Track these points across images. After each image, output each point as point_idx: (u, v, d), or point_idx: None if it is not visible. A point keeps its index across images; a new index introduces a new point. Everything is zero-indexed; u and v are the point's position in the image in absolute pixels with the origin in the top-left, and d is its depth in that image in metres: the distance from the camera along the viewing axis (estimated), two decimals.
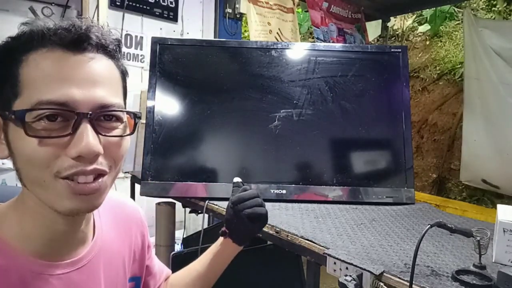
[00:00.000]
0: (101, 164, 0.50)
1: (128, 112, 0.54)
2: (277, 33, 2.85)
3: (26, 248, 0.52)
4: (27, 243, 0.52)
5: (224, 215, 0.81)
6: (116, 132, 0.52)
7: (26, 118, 0.46)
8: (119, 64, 0.55)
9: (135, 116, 0.56)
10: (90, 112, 0.48)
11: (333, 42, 3.07)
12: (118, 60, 0.55)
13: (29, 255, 0.52)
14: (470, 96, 3.04)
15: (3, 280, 0.49)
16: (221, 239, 0.81)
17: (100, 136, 0.49)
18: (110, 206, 0.68)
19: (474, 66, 2.94)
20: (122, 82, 0.56)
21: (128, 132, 0.55)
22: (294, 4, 3.06)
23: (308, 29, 5.02)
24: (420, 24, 4.39)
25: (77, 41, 0.49)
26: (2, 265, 0.50)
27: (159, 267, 0.82)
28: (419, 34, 4.50)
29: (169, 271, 0.85)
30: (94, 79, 0.49)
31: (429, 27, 4.06)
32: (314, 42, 5.10)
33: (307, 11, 4.00)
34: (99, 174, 0.50)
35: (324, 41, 2.99)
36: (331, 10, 3.12)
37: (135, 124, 0.56)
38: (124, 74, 0.57)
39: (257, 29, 2.70)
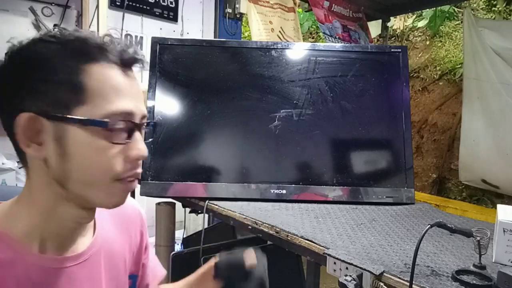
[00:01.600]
0: (141, 168, 0.57)
1: (149, 122, 0.61)
2: (280, 31, 2.84)
3: (32, 242, 0.54)
4: (33, 238, 0.54)
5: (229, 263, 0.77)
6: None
7: (101, 126, 0.51)
8: None
9: (153, 126, 0.66)
10: (140, 123, 0.56)
11: (339, 38, 3.06)
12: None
13: (34, 249, 0.54)
14: (469, 97, 3.03)
15: (10, 272, 0.51)
16: (206, 271, 0.79)
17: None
18: None
19: (473, 66, 2.93)
20: None
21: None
22: (294, 4, 3.06)
23: (308, 28, 5.02)
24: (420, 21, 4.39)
25: (132, 61, 0.56)
26: (9, 259, 0.52)
27: (154, 267, 0.82)
28: (419, 34, 4.50)
29: (164, 272, 0.85)
30: (139, 94, 0.57)
31: (427, 21, 4.06)
32: (315, 41, 5.10)
33: (307, 11, 4.00)
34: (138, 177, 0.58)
35: (331, 36, 2.98)
36: (332, 9, 3.12)
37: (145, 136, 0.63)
38: None
39: (259, 28, 2.69)
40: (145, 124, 0.58)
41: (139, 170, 0.56)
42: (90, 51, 0.52)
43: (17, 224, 0.54)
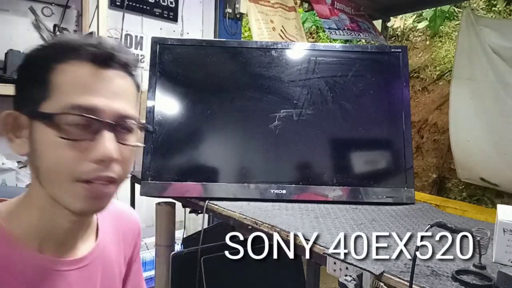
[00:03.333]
0: (114, 172, 0.53)
1: (140, 125, 0.59)
2: (281, 30, 2.82)
3: (31, 242, 0.54)
4: (32, 238, 0.55)
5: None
6: (131, 142, 0.57)
7: (57, 121, 0.50)
8: (136, 80, 0.60)
9: (146, 129, 0.62)
10: (112, 122, 0.53)
11: (348, 29, 3.02)
12: (135, 76, 0.60)
13: (33, 249, 0.54)
14: (459, 97, 3.02)
15: (6, 269, 0.52)
16: None
17: (117, 143, 0.54)
18: (112, 212, 0.69)
19: (467, 67, 2.92)
20: (136, 97, 0.61)
21: (139, 143, 0.59)
22: (295, 3, 3.06)
23: (309, 29, 5.02)
24: (420, 23, 4.39)
25: (106, 59, 0.54)
26: (6, 254, 0.52)
27: (138, 279, 0.80)
28: (419, 34, 4.50)
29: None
30: (117, 93, 0.55)
31: (426, 23, 4.06)
32: (315, 41, 5.09)
33: (307, 11, 4.00)
34: (111, 182, 0.54)
35: (338, 29, 2.94)
36: (335, 6, 3.12)
37: (145, 136, 0.61)
38: (138, 88, 0.62)
39: (260, 27, 2.67)
40: (125, 124, 0.55)
41: (107, 173, 0.52)
42: (65, 51, 0.53)
43: (18, 222, 0.55)
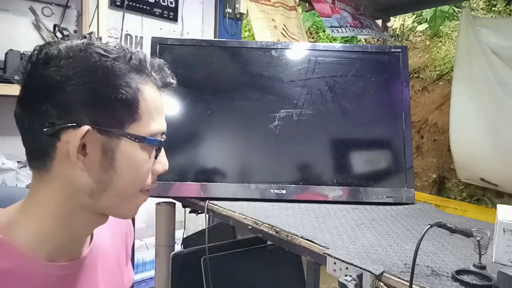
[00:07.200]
0: None
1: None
2: (283, 29, 2.81)
3: (38, 251, 0.53)
4: (39, 247, 0.53)
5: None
6: None
7: (147, 142, 0.57)
8: None
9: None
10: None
11: (350, 26, 3.01)
12: None
13: (38, 257, 0.53)
14: (459, 98, 3.02)
15: (12, 283, 0.51)
16: None
17: None
18: None
19: (467, 67, 2.92)
20: None
21: None
22: (295, 3, 3.05)
23: (309, 28, 5.02)
24: (420, 23, 4.39)
25: (168, 84, 0.62)
26: (9, 268, 0.51)
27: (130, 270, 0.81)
28: (419, 34, 4.50)
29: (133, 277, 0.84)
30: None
31: (427, 25, 4.06)
32: (315, 41, 5.09)
33: (307, 11, 4.00)
34: None
35: (340, 27, 2.92)
36: (336, 5, 3.11)
37: None
38: None
39: (262, 25, 2.65)
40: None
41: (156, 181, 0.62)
42: (145, 71, 0.57)
43: (23, 232, 0.53)
